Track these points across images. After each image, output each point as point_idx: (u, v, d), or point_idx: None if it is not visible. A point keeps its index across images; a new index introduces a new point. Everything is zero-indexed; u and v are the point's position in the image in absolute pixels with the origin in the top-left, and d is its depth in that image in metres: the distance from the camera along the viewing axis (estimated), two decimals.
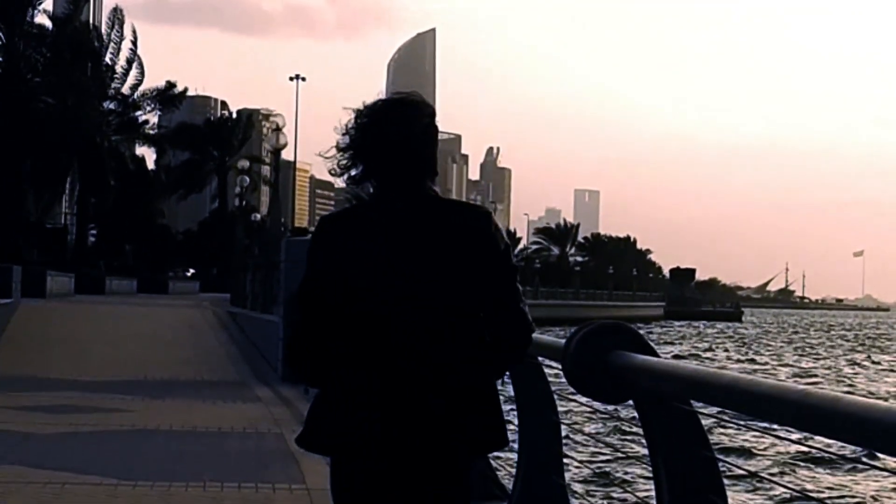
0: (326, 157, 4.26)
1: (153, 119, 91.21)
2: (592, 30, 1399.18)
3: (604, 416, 19.40)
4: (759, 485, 17.83)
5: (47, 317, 32.11)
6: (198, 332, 30.12)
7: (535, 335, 4.32)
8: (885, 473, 19.69)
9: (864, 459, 14.19)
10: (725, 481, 4.52)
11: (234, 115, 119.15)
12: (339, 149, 4.22)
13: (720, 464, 4.54)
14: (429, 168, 4.22)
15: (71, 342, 26.16)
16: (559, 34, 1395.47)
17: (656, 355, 4.67)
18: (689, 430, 4.47)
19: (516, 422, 7.46)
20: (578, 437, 19.07)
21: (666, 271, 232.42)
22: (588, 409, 18.06)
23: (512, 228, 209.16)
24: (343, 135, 4.21)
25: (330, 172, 4.33)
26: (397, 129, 4.14)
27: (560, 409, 7.40)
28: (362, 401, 4.03)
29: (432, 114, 4.26)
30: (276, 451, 11.75)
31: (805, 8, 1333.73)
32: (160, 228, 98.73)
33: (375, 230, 4.10)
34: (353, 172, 4.21)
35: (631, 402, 4.89)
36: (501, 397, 4.32)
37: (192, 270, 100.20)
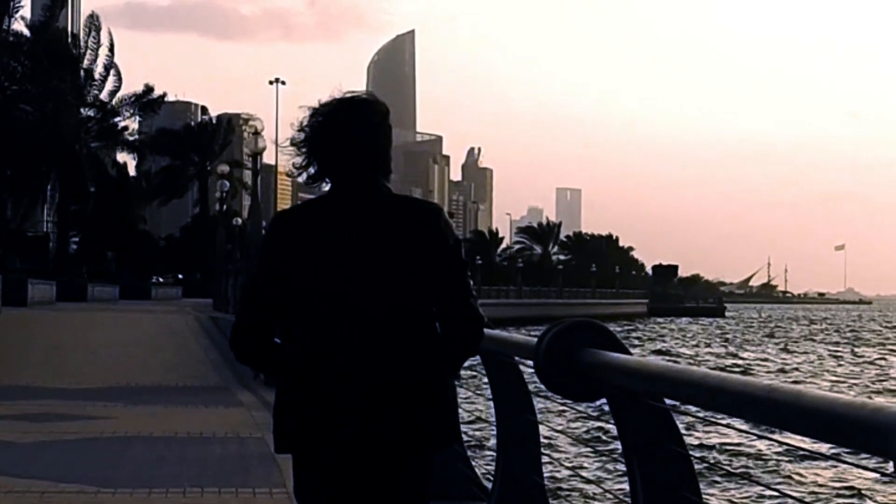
0: (284, 152, 4.33)
1: (133, 125, 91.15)
2: (571, 28, 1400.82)
3: (580, 413, 19.44)
4: (734, 482, 17.85)
5: (28, 325, 32.01)
6: (180, 338, 30.05)
7: (503, 333, 4.38)
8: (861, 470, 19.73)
9: (844, 456, 14.21)
10: (700, 479, 4.53)
11: (215, 121, 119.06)
12: (293, 145, 4.28)
13: (694, 460, 4.54)
14: (381, 165, 4.28)
15: (52, 350, 26.06)
16: (538, 33, 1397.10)
17: (628, 353, 4.67)
18: (662, 427, 4.46)
19: (495, 421, 7.47)
20: (557, 436, 19.11)
21: (648, 268, 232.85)
22: (565, 408, 18.05)
23: (494, 228, 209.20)
24: (298, 132, 4.28)
25: (287, 174, 4.38)
26: (350, 127, 4.22)
27: (539, 406, 7.40)
28: (316, 397, 4.10)
29: (385, 112, 4.33)
30: (257, 454, 11.71)
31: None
32: (142, 234, 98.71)
33: (328, 225, 4.17)
34: (309, 171, 4.29)
35: (604, 399, 4.89)
36: (477, 396, 4.35)
37: (179, 276, 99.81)
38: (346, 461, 4.13)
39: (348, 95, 4.28)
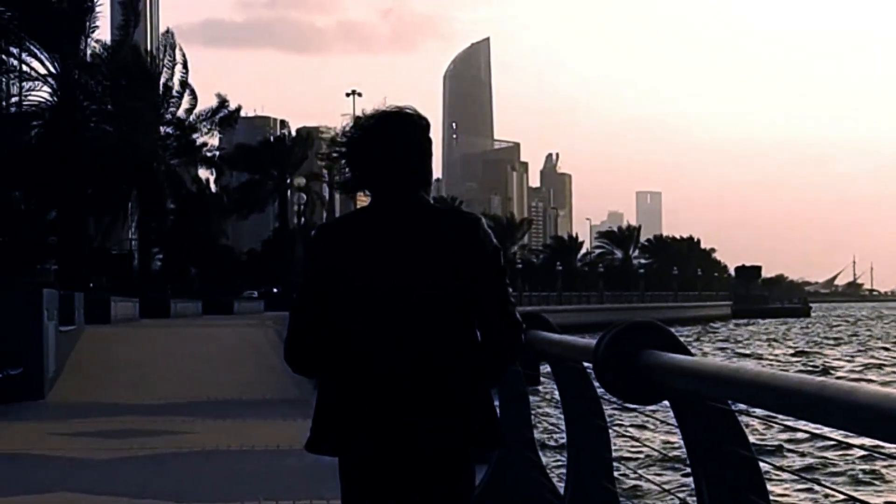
0: (332, 159, 4.38)
1: (213, 141, 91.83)
2: (648, 32, 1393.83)
3: (648, 417, 19.17)
4: (802, 485, 17.49)
5: (111, 342, 32.28)
6: (259, 352, 30.14)
7: (565, 337, 4.40)
8: None
9: None
10: (768, 483, 4.38)
11: (294, 134, 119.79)
12: (335, 155, 4.33)
13: (761, 463, 4.39)
14: (420, 179, 4.37)
15: (133, 366, 26.25)
16: (613, 37, 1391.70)
17: (689, 354, 4.54)
18: (726, 429, 4.31)
19: (564, 427, 7.35)
20: (627, 441, 18.87)
21: (731, 270, 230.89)
22: (634, 412, 17.86)
23: (574, 234, 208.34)
24: (339, 146, 4.44)
25: (335, 185, 4.42)
26: (388, 141, 4.32)
27: (609, 411, 7.27)
28: (359, 403, 4.16)
29: (425, 126, 4.41)
30: (331, 466, 11.58)
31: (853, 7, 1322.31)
32: (223, 249, 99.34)
33: (369, 234, 4.28)
34: (350, 182, 4.42)
35: (667, 402, 4.76)
36: (547, 401, 4.35)
37: (260, 290, 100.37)
38: (391, 466, 4.19)
39: (390, 109, 4.38)
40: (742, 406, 4.22)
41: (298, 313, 4.33)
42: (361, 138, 4.35)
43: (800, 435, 21.25)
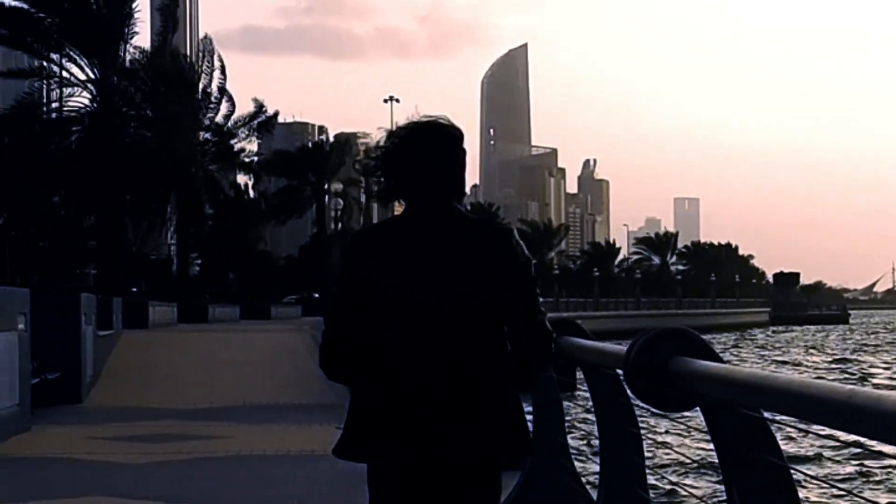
0: (367, 169, 4.53)
1: (251, 147, 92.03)
2: (686, 38, 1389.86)
3: (681, 424, 19.07)
4: (836, 494, 17.29)
5: (148, 346, 32.40)
6: (296, 356, 30.17)
7: (596, 343, 4.45)
8: None
9: None
10: (801, 491, 4.34)
11: (332, 140, 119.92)
12: (370, 166, 4.48)
13: (794, 473, 4.35)
14: (454, 189, 4.41)
15: (170, 371, 26.35)
16: (652, 46, 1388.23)
17: (720, 361, 4.51)
18: (758, 437, 4.27)
19: (597, 433, 7.31)
20: (660, 448, 18.76)
21: (769, 276, 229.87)
22: (667, 419, 17.76)
23: (612, 239, 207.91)
24: (373, 156, 4.48)
25: (372, 193, 4.50)
26: (421, 151, 4.36)
27: (643, 418, 7.23)
28: (393, 410, 4.19)
29: (459, 137, 4.45)
30: (365, 472, 11.64)
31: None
32: (261, 255, 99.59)
33: (402, 242, 4.33)
34: (384, 192, 4.47)
35: (698, 409, 4.73)
36: (583, 408, 4.35)
37: (299, 295, 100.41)
38: (419, 474, 4.22)
39: (423, 119, 4.42)
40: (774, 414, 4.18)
41: (334, 318, 4.36)
42: (395, 149, 4.39)
43: (835, 443, 21.08)
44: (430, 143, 4.36)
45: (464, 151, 4.46)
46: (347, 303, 4.32)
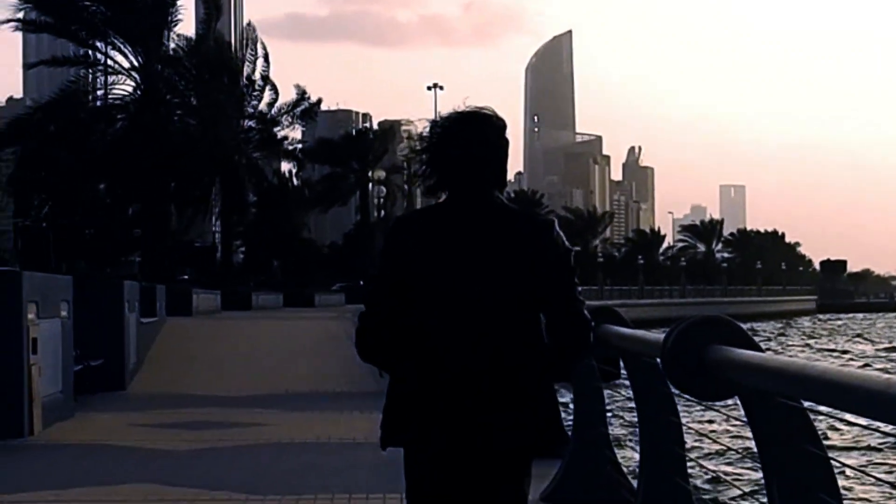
0: (410, 160, 4.50)
1: (295, 134, 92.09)
2: (731, 28, 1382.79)
3: (720, 413, 18.92)
4: (877, 486, 17.08)
5: (191, 334, 32.53)
6: (339, 344, 30.18)
7: (636, 332, 4.46)
8: None
9: None
10: (841, 481, 4.26)
11: (376, 128, 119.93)
12: (414, 154, 4.76)
13: (833, 462, 4.27)
14: (496, 180, 4.44)
15: (213, 358, 26.44)
16: (696, 32, 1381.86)
17: (759, 349, 4.44)
18: (797, 427, 4.20)
19: (637, 422, 7.25)
20: (701, 439, 18.60)
21: (816, 264, 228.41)
22: (707, 408, 17.66)
23: (657, 227, 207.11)
24: (418, 148, 4.53)
25: (416, 184, 4.61)
26: (465, 142, 4.39)
27: (683, 407, 7.16)
28: (435, 398, 4.23)
29: (502, 128, 4.48)
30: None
31: None
32: (305, 242, 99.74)
33: (445, 230, 4.34)
34: (428, 182, 4.48)
35: (736, 398, 4.66)
36: (623, 397, 4.33)
37: (339, 285, 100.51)
38: (455, 461, 4.26)
39: (468, 110, 4.44)
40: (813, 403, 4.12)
41: (375, 304, 4.38)
42: (438, 140, 4.42)
43: (878, 433, 20.86)
44: (472, 134, 4.38)
45: (507, 142, 4.48)
46: (389, 287, 4.34)
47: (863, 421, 3.55)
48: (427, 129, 4.50)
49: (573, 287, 4.37)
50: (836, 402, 3.50)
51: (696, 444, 19.40)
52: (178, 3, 75.21)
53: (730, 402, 5.15)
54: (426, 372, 4.24)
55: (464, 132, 4.39)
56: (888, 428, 3.52)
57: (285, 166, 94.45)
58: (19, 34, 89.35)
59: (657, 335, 5.78)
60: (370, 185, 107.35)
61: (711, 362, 4.55)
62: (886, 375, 3.03)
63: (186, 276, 73.26)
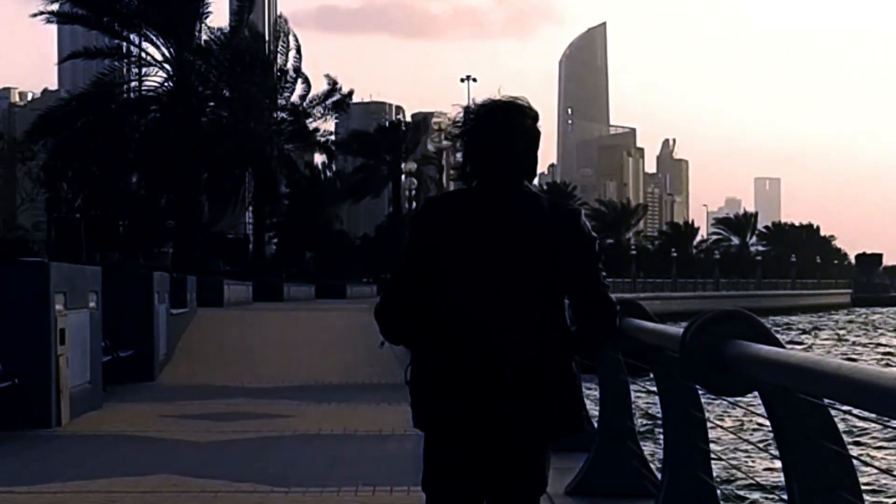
0: (441, 146, 4.54)
1: (328, 126, 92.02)
2: (767, 20, 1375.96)
3: (744, 408, 18.79)
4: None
5: (222, 325, 32.53)
6: (369, 336, 30.07)
7: (656, 325, 4.59)
8: None
9: None
10: (862, 479, 4.18)
11: (409, 120, 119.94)
12: (447, 139, 4.61)
13: (855, 460, 4.19)
14: (526, 169, 4.48)
15: (243, 349, 26.45)
16: (730, 25, 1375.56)
17: (779, 345, 4.36)
18: (818, 424, 4.12)
19: (661, 417, 7.18)
20: (726, 434, 18.44)
21: (851, 257, 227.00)
22: (731, 403, 17.47)
23: (691, 220, 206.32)
24: (451, 130, 4.58)
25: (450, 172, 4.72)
26: (497, 131, 4.42)
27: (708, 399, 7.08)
28: (455, 383, 4.29)
29: (534, 117, 4.52)
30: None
31: None
32: (338, 234, 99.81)
33: (474, 215, 4.38)
34: (461, 171, 4.55)
35: (756, 394, 4.59)
36: (643, 391, 4.41)
37: (368, 278, 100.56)
38: (476, 442, 4.33)
39: (498, 100, 4.49)
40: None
41: (398, 291, 4.45)
42: (470, 129, 4.48)
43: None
44: (504, 122, 4.42)
45: (538, 132, 4.53)
46: (413, 272, 4.40)
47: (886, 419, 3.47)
48: (460, 114, 4.55)
49: (598, 272, 4.43)
50: (850, 400, 3.41)
51: (721, 438, 19.27)
52: None
53: (754, 396, 5.07)
54: (451, 356, 4.29)
55: (496, 120, 4.42)
56: None
57: (318, 158, 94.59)
58: (55, 27, 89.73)
59: (677, 329, 5.71)
60: (402, 177, 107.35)
61: (730, 357, 4.49)
62: None
63: (228, 268, 73.32)
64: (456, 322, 4.29)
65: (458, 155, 4.55)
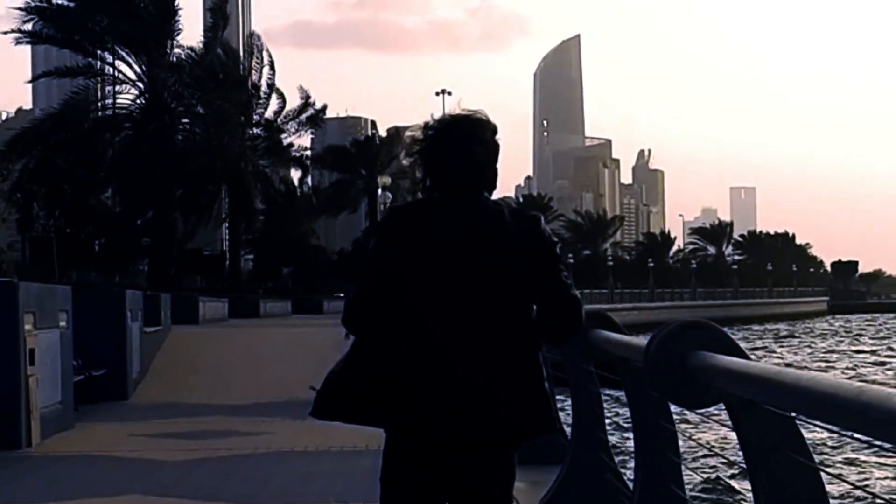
0: (405, 157, 4.72)
1: (303, 141, 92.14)
2: (742, 28, 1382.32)
3: (713, 420, 18.78)
4: (863, 496, 16.79)
5: (197, 342, 32.38)
6: (345, 351, 30.10)
7: (622, 336, 4.64)
8: None
9: None
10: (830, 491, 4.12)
11: (384, 134, 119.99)
12: (408, 155, 4.63)
13: (824, 476, 4.14)
14: (487, 182, 4.53)
15: (218, 366, 26.32)
16: (704, 34, 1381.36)
17: (744, 356, 4.32)
18: (784, 436, 4.05)
19: (632, 430, 7.12)
20: (694, 445, 18.39)
21: (828, 265, 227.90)
22: (698, 415, 17.41)
23: (667, 230, 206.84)
24: (410, 146, 4.61)
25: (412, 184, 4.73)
26: (451, 146, 4.47)
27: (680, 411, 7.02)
28: (413, 381, 4.27)
29: (493, 130, 4.57)
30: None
31: None
32: (314, 249, 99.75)
33: (439, 224, 4.39)
34: (422, 184, 4.59)
35: (722, 406, 4.55)
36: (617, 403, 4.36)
37: (342, 293, 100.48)
38: (440, 444, 4.31)
39: (460, 114, 4.54)
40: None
41: (364, 298, 4.40)
42: (433, 139, 4.51)
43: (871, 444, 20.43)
44: (462, 136, 4.47)
45: (497, 145, 4.56)
46: (378, 282, 4.38)
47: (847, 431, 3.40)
48: (419, 132, 4.57)
49: (560, 272, 4.48)
50: (810, 412, 3.35)
51: (692, 450, 19.22)
52: (180, 12, 75.39)
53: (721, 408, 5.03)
54: (419, 361, 4.28)
55: (455, 135, 4.47)
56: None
57: (294, 174, 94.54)
58: (29, 46, 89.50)
59: (643, 340, 5.66)
60: (378, 190, 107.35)
61: (693, 369, 4.46)
62: (859, 383, 2.88)
63: (203, 285, 73.19)
64: (424, 331, 4.30)
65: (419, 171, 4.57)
